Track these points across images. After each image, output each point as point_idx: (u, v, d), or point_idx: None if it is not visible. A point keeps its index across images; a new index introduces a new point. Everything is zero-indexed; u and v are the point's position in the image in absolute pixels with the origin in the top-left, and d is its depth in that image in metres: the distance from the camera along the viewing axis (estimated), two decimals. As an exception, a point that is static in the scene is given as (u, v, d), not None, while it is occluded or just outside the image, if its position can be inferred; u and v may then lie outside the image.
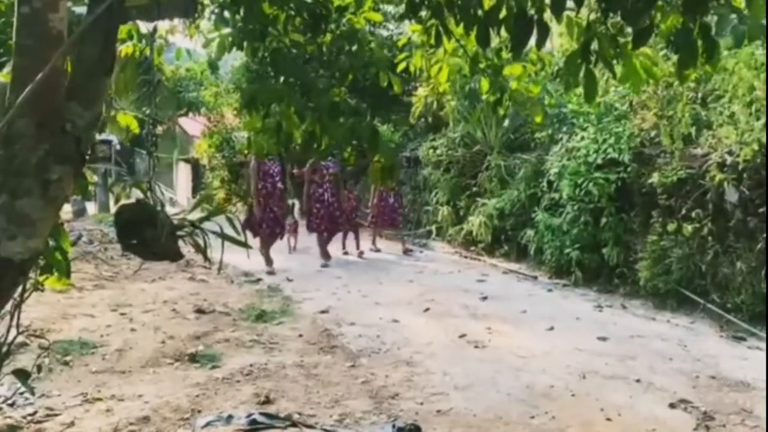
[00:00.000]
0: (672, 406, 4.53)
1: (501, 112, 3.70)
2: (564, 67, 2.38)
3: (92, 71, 1.79)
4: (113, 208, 13.79)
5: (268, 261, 9.08)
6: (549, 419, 4.29)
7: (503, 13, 2.25)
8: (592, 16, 2.31)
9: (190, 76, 21.76)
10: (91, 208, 16.40)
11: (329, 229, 10.04)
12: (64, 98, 1.71)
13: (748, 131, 6.51)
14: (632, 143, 7.99)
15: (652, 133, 7.95)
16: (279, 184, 9.22)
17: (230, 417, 3.98)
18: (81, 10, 2.16)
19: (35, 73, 1.62)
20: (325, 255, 9.96)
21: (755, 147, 6.40)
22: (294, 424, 3.94)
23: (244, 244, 2.38)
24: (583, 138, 8.47)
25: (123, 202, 2.40)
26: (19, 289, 2.06)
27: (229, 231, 2.49)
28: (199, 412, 4.20)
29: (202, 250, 2.26)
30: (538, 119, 8.02)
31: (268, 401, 4.38)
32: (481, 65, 3.42)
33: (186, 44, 4.16)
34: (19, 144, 1.60)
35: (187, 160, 21.33)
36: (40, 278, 2.20)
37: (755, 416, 4.36)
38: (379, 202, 10.99)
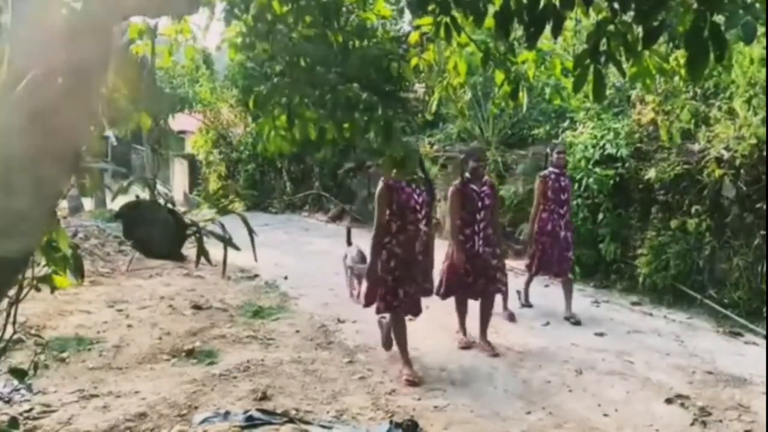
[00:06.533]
0: (669, 401, 4.54)
1: (519, 101, 3.71)
2: (573, 67, 2.36)
3: (88, 68, 1.78)
4: (110, 205, 13.75)
5: (405, 354, 5.02)
6: (546, 415, 4.30)
7: (514, 5, 2.25)
8: (602, 16, 2.30)
9: (186, 72, 21.72)
10: (88, 204, 16.34)
11: (481, 292, 5.65)
12: (60, 95, 1.70)
13: (746, 126, 6.53)
14: (630, 139, 8.01)
15: (650, 129, 7.97)
16: (423, 225, 4.97)
17: (227, 413, 3.99)
18: (78, 5, 2.14)
19: (30, 69, 1.61)
20: (487, 346, 5.61)
21: (753, 142, 6.42)
22: (291, 421, 3.94)
23: (236, 246, 2.36)
24: (581, 134, 8.48)
25: (127, 200, 2.39)
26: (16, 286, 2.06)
27: (231, 229, 2.48)
28: (196, 408, 4.19)
29: (206, 254, 2.25)
30: (556, 101, 7.89)
31: (265, 397, 4.37)
32: (496, 57, 3.43)
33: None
34: (12, 141, 1.59)
35: (183, 156, 21.29)
36: (51, 276, 2.19)
37: (752, 412, 4.38)
38: (540, 237, 6.71)
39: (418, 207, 4.91)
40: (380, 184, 4.95)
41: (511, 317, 6.53)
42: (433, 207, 5.55)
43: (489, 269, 5.56)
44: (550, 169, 6.78)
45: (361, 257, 7.10)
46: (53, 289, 2.21)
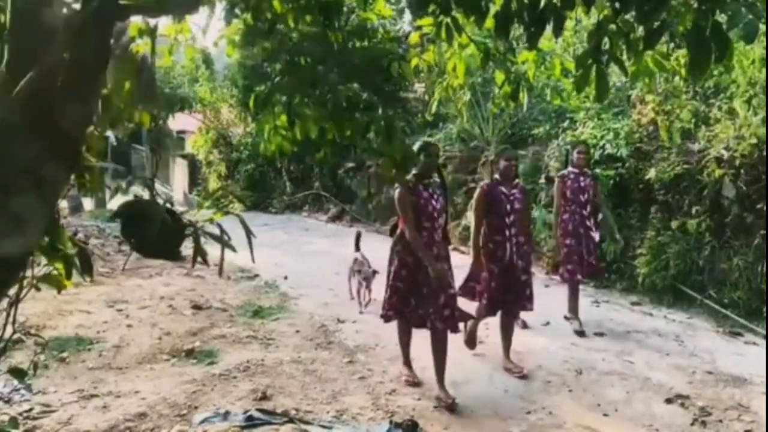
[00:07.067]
0: (669, 401, 4.54)
1: (520, 101, 3.72)
2: (575, 67, 2.36)
3: (87, 67, 1.78)
4: (110, 205, 13.75)
5: (406, 355, 4.94)
6: (546, 415, 4.30)
7: (515, 5, 2.25)
8: (603, 15, 2.31)
9: (186, 72, 21.75)
10: (88, 204, 16.36)
11: (509, 309, 5.31)
12: (58, 94, 1.69)
13: (746, 126, 6.54)
14: (630, 139, 8.01)
15: (650, 129, 7.98)
16: (441, 219, 4.64)
17: (227, 413, 3.98)
18: (76, 5, 2.14)
19: (29, 69, 1.61)
20: (515, 367, 5.15)
21: (753, 142, 6.43)
22: (291, 421, 3.94)
23: (232, 248, 2.35)
24: (581, 134, 8.49)
25: (125, 199, 2.39)
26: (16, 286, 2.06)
27: (230, 229, 2.47)
28: (196, 408, 4.19)
29: (203, 255, 2.25)
30: (556, 102, 7.89)
31: (265, 397, 4.37)
32: (495, 57, 3.44)
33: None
34: (11, 141, 1.59)
35: (183, 156, 21.32)
36: (55, 276, 2.19)
37: (752, 412, 4.38)
38: (564, 240, 6.33)
39: (435, 214, 4.58)
40: (398, 188, 4.61)
41: (524, 325, 6.27)
42: (449, 211, 5.11)
43: (519, 285, 5.14)
44: (570, 168, 6.50)
45: (368, 263, 7.04)
46: (60, 289, 2.21)
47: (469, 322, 5.28)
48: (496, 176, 5.28)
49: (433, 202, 4.58)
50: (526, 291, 5.19)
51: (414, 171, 4.57)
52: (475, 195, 5.33)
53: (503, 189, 5.16)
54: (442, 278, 4.43)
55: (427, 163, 4.58)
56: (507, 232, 5.09)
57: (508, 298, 5.16)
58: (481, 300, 5.20)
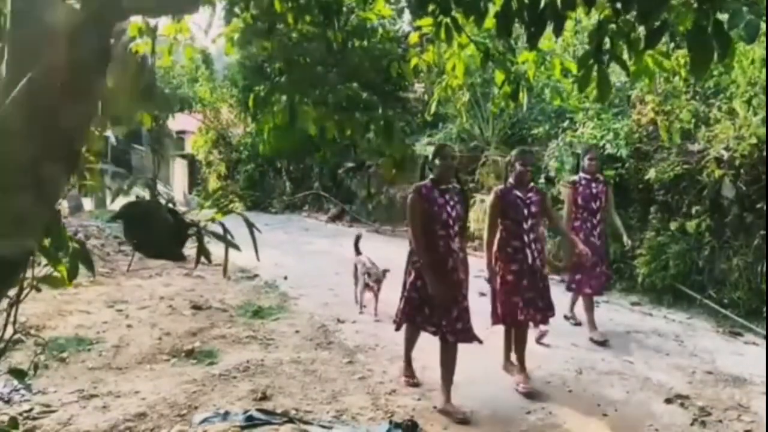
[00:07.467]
0: (668, 401, 4.54)
1: (519, 101, 3.72)
2: (577, 68, 2.36)
3: (87, 67, 1.78)
4: (110, 205, 13.76)
5: (407, 356, 4.89)
6: (545, 415, 4.30)
7: (515, 5, 2.26)
8: (603, 14, 2.31)
9: (186, 72, 21.76)
10: (88, 204, 16.35)
11: (541, 318, 5.06)
12: (58, 94, 1.69)
13: (746, 126, 6.54)
14: (630, 139, 8.02)
15: (650, 129, 7.99)
16: (456, 227, 4.37)
17: (227, 414, 3.98)
18: (77, 5, 2.14)
19: (28, 69, 1.61)
20: (522, 376, 4.85)
21: (753, 142, 6.43)
22: (291, 421, 3.94)
23: (237, 247, 2.34)
24: (582, 134, 8.50)
25: (127, 200, 2.39)
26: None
27: (231, 228, 2.46)
28: (196, 408, 4.19)
29: (207, 254, 2.24)
30: (556, 102, 7.91)
31: (264, 398, 4.37)
32: (495, 57, 3.45)
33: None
34: (11, 141, 1.59)
35: (183, 156, 21.34)
36: (54, 276, 2.18)
37: (752, 412, 4.38)
38: (573, 248, 5.94)
39: (450, 221, 4.32)
40: (411, 194, 4.39)
41: (541, 338, 5.93)
42: (468, 213, 4.80)
43: (539, 291, 4.92)
44: (581, 174, 6.25)
45: (373, 264, 6.83)
46: (70, 282, 2.20)
47: (505, 364, 5.11)
48: (510, 180, 4.95)
49: (449, 208, 4.33)
50: (545, 295, 5.00)
51: (431, 176, 4.40)
52: (489, 199, 5.11)
53: (518, 193, 4.87)
54: (442, 299, 4.29)
55: (444, 167, 4.35)
56: (526, 238, 4.83)
57: (540, 304, 4.93)
58: (513, 315, 4.89)
